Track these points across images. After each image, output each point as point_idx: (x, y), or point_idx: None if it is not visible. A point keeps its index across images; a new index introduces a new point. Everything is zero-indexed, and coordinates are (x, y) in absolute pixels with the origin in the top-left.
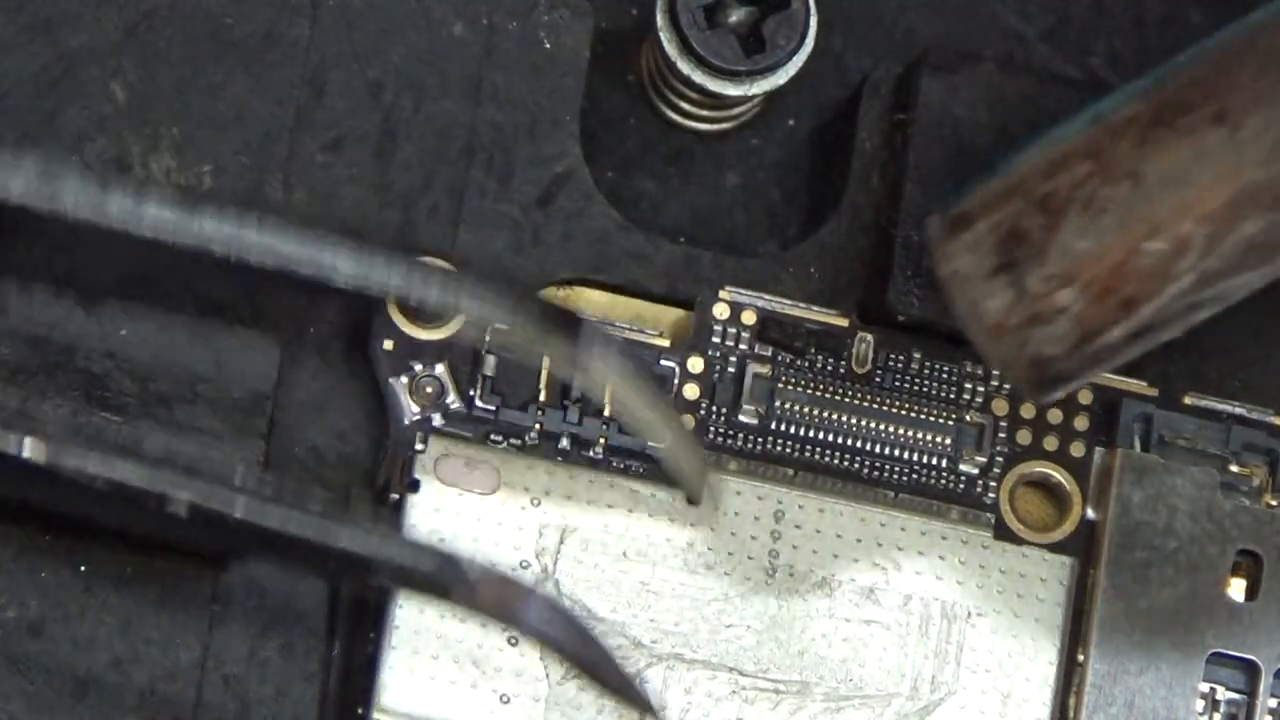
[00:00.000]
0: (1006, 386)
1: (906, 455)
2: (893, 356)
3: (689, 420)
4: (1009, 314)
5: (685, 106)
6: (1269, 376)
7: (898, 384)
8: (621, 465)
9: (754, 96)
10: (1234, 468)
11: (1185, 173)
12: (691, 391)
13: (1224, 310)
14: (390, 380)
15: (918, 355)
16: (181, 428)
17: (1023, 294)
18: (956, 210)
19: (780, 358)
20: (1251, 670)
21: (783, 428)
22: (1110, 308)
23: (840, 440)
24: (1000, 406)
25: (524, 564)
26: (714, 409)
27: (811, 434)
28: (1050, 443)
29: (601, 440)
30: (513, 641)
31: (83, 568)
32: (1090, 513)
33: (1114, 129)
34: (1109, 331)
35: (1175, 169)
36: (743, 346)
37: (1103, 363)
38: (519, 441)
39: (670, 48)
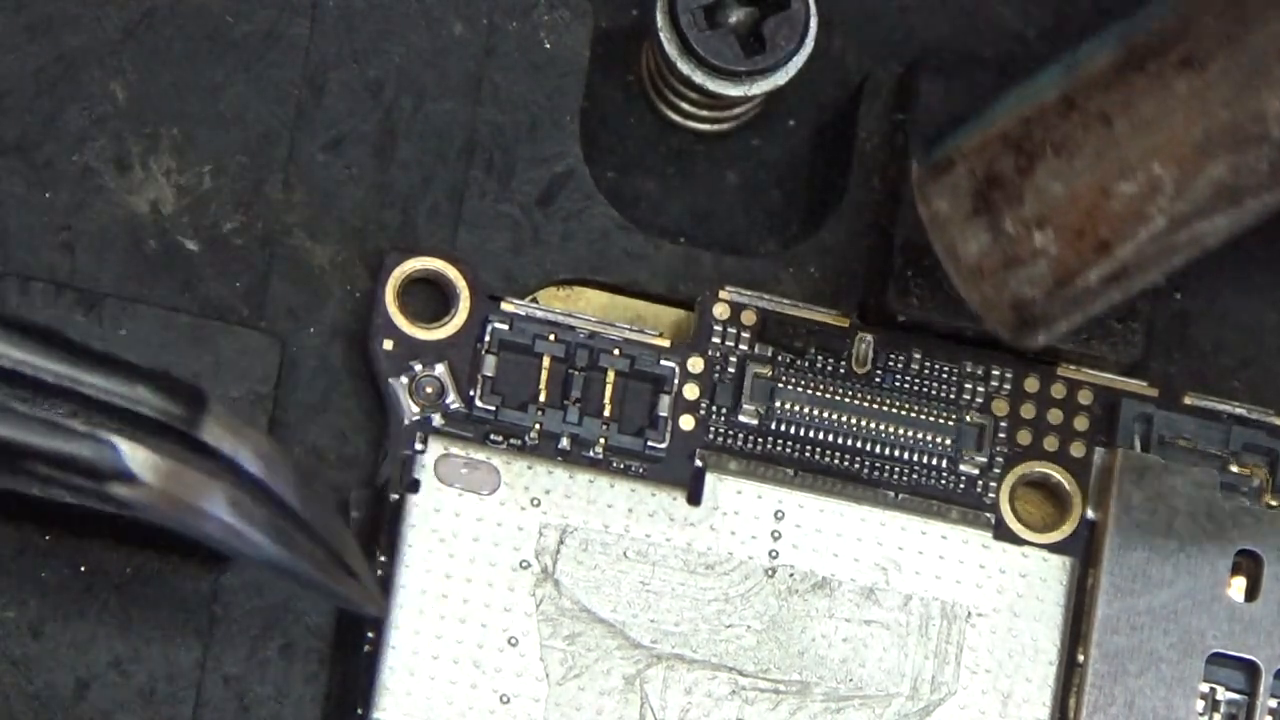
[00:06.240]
0: (1007, 386)
1: (906, 455)
2: (893, 356)
3: (689, 420)
4: (987, 256)
5: (685, 106)
6: (1269, 376)
7: (898, 384)
8: (621, 465)
9: (754, 97)
10: (1234, 468)
11: (1154, 116)
12: (691, 391)
13: (1224, 310)
14: (390, 380)
15: (918, 355)
16: None
17: (1000, 236)
18: (937, 156)
19: (780, 358)
20: (1251, 670)
21: (783, 428)
22: (1086, 250)
23: (840, 440)
24: (1000, 406)
25: (524, 564)
26: (714, 409)
27: (811, 434)
28: (1050, 443)
29: (601, 440)
30: (513, 641)
31: (83, 568)
32: (1090, 513)
33: (1086, 75)
34: (1085, 274)
35: (1144, 112)
36: (743, 346)
37: (1082, 306)
38: (519, 441)
39: (670, 48)
